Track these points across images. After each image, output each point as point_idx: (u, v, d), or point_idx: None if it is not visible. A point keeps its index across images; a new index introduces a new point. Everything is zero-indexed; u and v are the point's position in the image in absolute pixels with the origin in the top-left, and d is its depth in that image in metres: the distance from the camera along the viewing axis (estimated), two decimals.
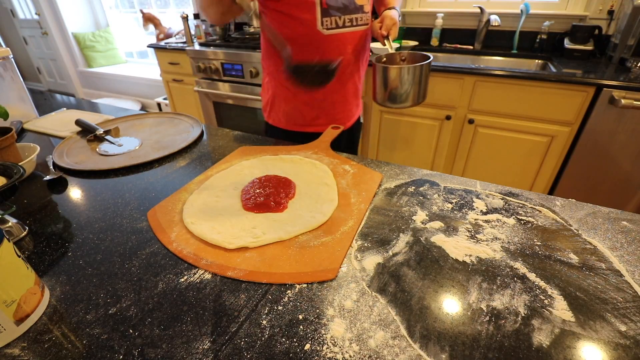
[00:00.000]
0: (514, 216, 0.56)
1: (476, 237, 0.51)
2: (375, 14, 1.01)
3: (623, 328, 0.37)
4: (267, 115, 1.08)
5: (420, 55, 0.91)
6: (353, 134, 1.16)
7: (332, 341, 0.36)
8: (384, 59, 0.93)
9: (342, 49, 0.92)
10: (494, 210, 0.57)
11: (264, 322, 0.39)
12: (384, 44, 0.93)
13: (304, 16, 0.85)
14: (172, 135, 0.90)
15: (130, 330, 0.38)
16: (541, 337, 0.36)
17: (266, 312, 0.40)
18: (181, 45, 2.26)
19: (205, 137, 0.90)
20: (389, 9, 0.99)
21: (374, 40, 1.01)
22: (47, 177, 0.69)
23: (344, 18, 0.88)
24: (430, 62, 0.85)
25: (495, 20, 1.71)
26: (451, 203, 0.59)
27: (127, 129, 0.95)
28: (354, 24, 0.91)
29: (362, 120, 1.20)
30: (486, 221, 0.55)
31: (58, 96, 1.34)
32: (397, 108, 0.95)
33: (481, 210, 0.57)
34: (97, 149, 0.83)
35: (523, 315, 0.39)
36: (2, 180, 0.54)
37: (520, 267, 0.45)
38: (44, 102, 1.25)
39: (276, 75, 0.99)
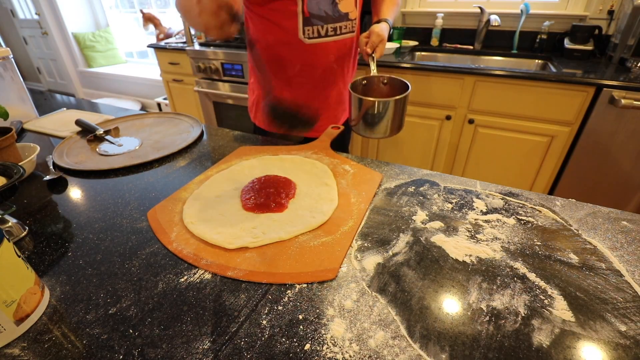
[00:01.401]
0: (514, 216, 0.56)
1: (476, 237, 0.51)
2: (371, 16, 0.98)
3: (623, 328, 0.37)
4: (253, 116, 1.07)
5: (401, 82, 0.83)
6: (342, 137, 1.15)
7: (332, 341, 0.36)
8: (364, 81, 0.86)
9: (324, 58, 0.91)
10: (494, 210, 0.57)
11: (264, 322, 0.39)
12: (369, 63, 0.87)
13: (286, 24, 0.84)
14: (172, 135, 0.90)
15: (130, 330, 0.38)
16: (541, 337, 0.36)
17: (266, 312, 0.40)
18: (181, 45, 2.26)
19: (205, 137, 0.90)
20: (380, 21, 0.92)
21: None
22: (47, 177, 0.69)
23: (326, 27, 0.86)
24: (408, 94, 0.77)
25: (495, 20, 1.71)
26: (451, 203, 0.59)
27: (127, 129, 0.95)
28: (337, 32, 0.88)
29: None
30: (486, 221, 0.55)
31: (58, 96, 1.34)
32: (371, 138, 0.84)
33: (481, 210, 0.57)
34: (97, 149, 0.83)
35: (523, 315, 0.39)
36: (2, 180, 0.54)
37: (520, 267, 0.45)
38: (44, 102, 1.25)
39: (259, 77, 0.99)
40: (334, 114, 1.05)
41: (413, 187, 0.64)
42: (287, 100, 0.98)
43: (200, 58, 2.13)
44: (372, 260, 0.47)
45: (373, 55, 0.87)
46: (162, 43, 2.38)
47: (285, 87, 0.96)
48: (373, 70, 0.85)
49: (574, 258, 0.47)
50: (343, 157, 0.75)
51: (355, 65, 1.04)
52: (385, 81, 0.86)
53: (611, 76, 1.34)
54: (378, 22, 0.95)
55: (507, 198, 0.61)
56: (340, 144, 1.16)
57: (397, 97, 0.75)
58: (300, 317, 0.39)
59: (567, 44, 1.67)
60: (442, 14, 1.93)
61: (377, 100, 0.76)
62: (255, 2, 0.84)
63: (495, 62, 1.87)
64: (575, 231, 0.52)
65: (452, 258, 0.47)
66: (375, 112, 0.77)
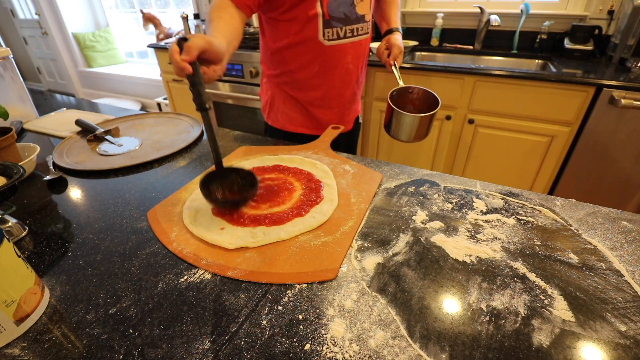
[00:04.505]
0: (514, 216, 0.56)
1: (476, 237, 0.51)
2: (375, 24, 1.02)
3: (623, 328, 0.37)
4: (267, 115, 1.08)
5: (430, 95, 0.95)
6: (352, 135, 1.16)
7: (332, 341, 0.36)
8: (394, 92, 0.97)
9: (342, 59, 0.92)
10: (494, 210, 0.57)
11: (264, 322, 0.39)
12: (392, 71, 0.99)
13: (306, 27, 0.85)
14: (172, 135, 0.90)
15: (130, 330, 0.38)
16: (541, 337, 0.36)
17: (266, 312, 0.40)
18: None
19: (205, 137, 0.90)
20: (393, 30, 1.01)
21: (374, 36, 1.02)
22: (47, 177, 0.69)
23: (345, 29, 0.88)
24: (436, 112, 0.90)
25: (495, 20, 1.71)
26: (451, 203, 0.59)
27: (127, 129, 0.95)
28: (354, 34, 0.90)
29: (360, 121, 1.20)
30: (486, 221, 0.55)
31: (58, 96, 1.34)
32: (399, 141, 1.02)
33: (481, 210, 0.57)
34: (97, 149, 0.83)
35: (523, 315, 0.39)
36: (2, 180, 0.54)
37: (520, 267, 0.45)
38: (44, 102, 1.25)
39: (274, 78, 0.99)
40: (348, 113, 1.07)
41: (413, 187, 0.64)
42: (303, 100, 0.98)
43: None
44: (372, 260, 0.47)
45: (396, 64, 0.98)
46: (162, 43, 2.38)
47: (303, 88, 0.97)
48: (399, 79, 0.98)
49: (574, 258, 0.47)
50: (343, 157, 0.75)
51: (367, 65, 1.06)
52: (412, 90, 1.00)
53: (611, 76, 1.34)
54: (390, 31, 1.02)
55: (507, 198, 0.61)
56: (348, 146, 1.17)
57: (432, 113, 0.89)
58: (300, 317, 0.39)
59: (567, 44, 1.67)
60: (442, 14, 1.93)
61: (414, 115, 0.90)
62: (272, 9, 0.85)
63: (495, 62, 1.87)
64: (575, 231, 0.52)
65: (452, 258, 0.47)
66: (411, 123, 0.93)
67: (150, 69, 3.74)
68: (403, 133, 0.96)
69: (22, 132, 0.97)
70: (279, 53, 0.93)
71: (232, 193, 0.60)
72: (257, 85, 1.98)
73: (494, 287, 0.42)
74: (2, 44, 4.22)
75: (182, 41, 0.55)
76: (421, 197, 0.61)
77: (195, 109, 0.54)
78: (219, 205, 0.57)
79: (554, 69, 1.59)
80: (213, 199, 0.57)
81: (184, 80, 2.36)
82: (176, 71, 0.55)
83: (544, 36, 1.78)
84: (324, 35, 0.87)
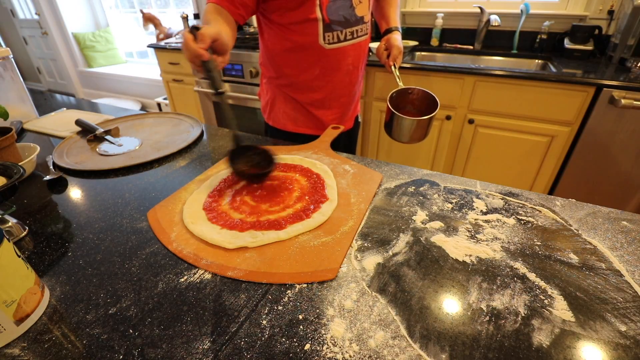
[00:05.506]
0: (514, 216, 0.56)
1: (476, 237, 0.51)
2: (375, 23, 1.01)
3: (623, 328, 0.37)
4: (267, 116, 1.08)
5: (429, 96, 0.95)
6: (352, 134, 1.16)
7: (332, 341, 0.36)
8: (394, 94, 0.97)
9: (343, 61, 0.93)
10: (494, 210, 0.57)
11: (264, 322, 0.39)
12: (391, 72, 1.00)
13: (306, 31, 0.85)
14: (172, 135, 0.90)
15: (130, 330, 0.38)
16: (541, 337, 0.36)
17: (266, 312, 0.40)
18: (181, 45, 2.26)
19: (205, 137, 0.90)
20: (392, 30, 1.01)
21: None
22: (47, 177, 0.69)
23: (345, 32, 0.88)
24: (435, 115, 0.91)
25: (495, 20, 1.71)
26: (451, 203, 0.59)
27: (127, 129, 0.95)
28: (354, 36, 0.90)
29: (360, 120, 1.21)
30: (486, 221, 0.55)
31: (58, 96, 1.34)
32: (404, 143, 1.04)
33: (481, 210, 0.57)
34: (97, 149, 0.83)
35: (523, 315, 0.39)
36: (2, 180, 0.54)
37: (520, 267, 0.45)
38: (44, 102, 1.25)
39: (274, 80, 1.00)
40: (348, 113, 1.07)
41: (413, 187, 0.64)
42: (304, 101, 0.99)
43: None
44: (372, 260, 0.47)
45: (395, 65, 0.99)
46: (162, 43, 2.38)
47: (303, 90, 0.97)
48: (399, 80, 0.98)
49: (574, 258, 0.47)
50: (343, 157, 0.75)
51: (366, 63, 1.06)
52: (411, 91, 1.00)
53: (611, 76, 1.34)
54: (389, 30, 1.01)
55: (507, 198, 0.61)
56: (348, 145, 1.17)
57: (431, 115, 0.90)
58: (300, 317, 0.39)
59: (567, 44, 1.67)
60: (442, 14, 1.93)
61: (414, 119, 0.91)
62: (272, 12, 0.85)
63: (495, 62, 1.87)
64: (575, 231, 0.52)
65: (452, 258, 0.47)
66: (411, 126, 0.95)
67: (150, 69, 3.74)
68: (403, 135, 0.97)
69: (22, 132, 0.97)
70: (279, 57, 0.93)
71: (254, 168, 0.65)
72: (257, 85, 1.98)
73: (494, 287, 0.42)
74: (2, 44, 4.22)
75: (194, 29, 0.57)
76: (421, 197, 0.61)
77: (212, 93, 0.58)
78: (246, 177, 0.64)
79: (554, 69, 1.59)
80: (240, 173, 0.63)
81: (184, 80, 2.37)
82: (190, 58, 0.57)
83: (544, 36, 1.78)
84: (324, 39, 0.86)
